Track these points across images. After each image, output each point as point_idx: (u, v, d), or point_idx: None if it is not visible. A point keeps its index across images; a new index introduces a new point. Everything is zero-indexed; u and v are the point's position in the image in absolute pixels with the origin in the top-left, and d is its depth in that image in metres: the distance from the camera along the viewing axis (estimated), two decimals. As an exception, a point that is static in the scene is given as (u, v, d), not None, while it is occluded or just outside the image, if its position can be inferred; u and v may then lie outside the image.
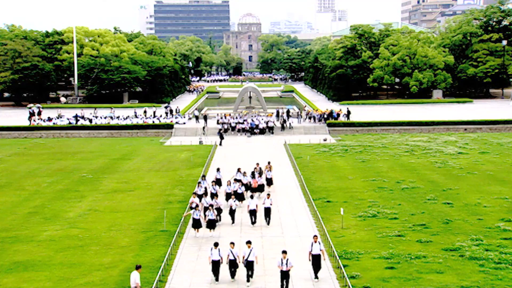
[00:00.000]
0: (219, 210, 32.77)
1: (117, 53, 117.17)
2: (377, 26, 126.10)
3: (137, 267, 22.71)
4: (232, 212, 32.85)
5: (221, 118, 73.09)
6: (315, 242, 24.61)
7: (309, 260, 24.73)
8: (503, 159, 51.50)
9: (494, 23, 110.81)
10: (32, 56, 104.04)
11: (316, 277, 24.40)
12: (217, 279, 24.35)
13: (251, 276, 24.26)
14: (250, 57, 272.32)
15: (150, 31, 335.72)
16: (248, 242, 24.75)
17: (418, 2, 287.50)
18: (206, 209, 31.79)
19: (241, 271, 24.68)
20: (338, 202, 36.74)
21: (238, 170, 39.99)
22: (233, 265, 24.55)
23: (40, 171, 49.11)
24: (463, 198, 37.71)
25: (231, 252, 24.52)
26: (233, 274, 24.56)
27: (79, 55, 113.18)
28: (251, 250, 24.32)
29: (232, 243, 24.91)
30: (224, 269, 24.78)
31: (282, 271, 23.24)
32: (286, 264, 23.18)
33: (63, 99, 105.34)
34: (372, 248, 27.97)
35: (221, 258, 24.45)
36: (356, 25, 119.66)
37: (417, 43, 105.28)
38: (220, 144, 62.07)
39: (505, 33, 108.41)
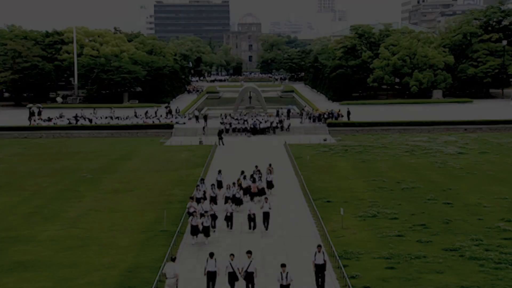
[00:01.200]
0: (214, 217, 31.42)
1: (117, 53, 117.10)
2: (377, 26, 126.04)
3: (173, 259, 22.87)
4: (228, 218, 31.54)
5: (223, 118, 73.08)
6: (319, 252, 23.52)
7: (313, 270, 23.67)
8: (503, 159, 51.49)
9: (494, 23, 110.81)
10: (32, 56, 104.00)
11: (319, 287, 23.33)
12: None
13: None
14: (250, 57, 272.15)
15: (150, 31, 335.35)
16: (248, 252, 23.37)
17: (418, 2, 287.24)
18: (201, 215, 30.45)
19: (241, 282, 23.32)
20: (338, 202, 36.68)
21: (242, 172, 39.43)
22: (232, 278, 23.02)
23: (40, 171, 49.10)
24: (463, 198, 37.71)
25: (230, 264, 23.02)
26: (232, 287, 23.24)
27: (79, 55, 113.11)
28: (251, 261, 22.86)
29: (232, 255, 23.46)
30: (222, 281, 23.53)
31: (281, 286, 22.05)
32: (286, 278, 21.97)
33: (59, 99, 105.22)
34: (372, 248, 27.95)
35: (218, 269, 23.07)
36: (356, 25, 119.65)
37: (417, 43, 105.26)
38: (222, 144, 62.04)
39: (505, 33, 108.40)
